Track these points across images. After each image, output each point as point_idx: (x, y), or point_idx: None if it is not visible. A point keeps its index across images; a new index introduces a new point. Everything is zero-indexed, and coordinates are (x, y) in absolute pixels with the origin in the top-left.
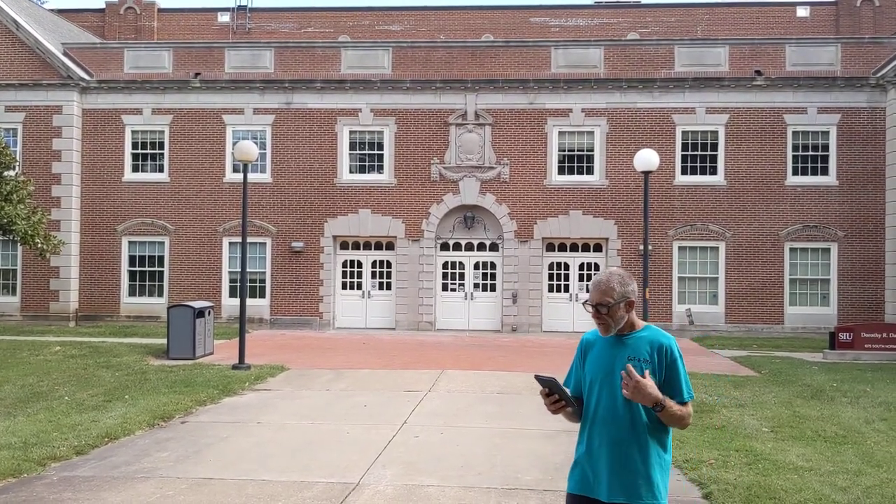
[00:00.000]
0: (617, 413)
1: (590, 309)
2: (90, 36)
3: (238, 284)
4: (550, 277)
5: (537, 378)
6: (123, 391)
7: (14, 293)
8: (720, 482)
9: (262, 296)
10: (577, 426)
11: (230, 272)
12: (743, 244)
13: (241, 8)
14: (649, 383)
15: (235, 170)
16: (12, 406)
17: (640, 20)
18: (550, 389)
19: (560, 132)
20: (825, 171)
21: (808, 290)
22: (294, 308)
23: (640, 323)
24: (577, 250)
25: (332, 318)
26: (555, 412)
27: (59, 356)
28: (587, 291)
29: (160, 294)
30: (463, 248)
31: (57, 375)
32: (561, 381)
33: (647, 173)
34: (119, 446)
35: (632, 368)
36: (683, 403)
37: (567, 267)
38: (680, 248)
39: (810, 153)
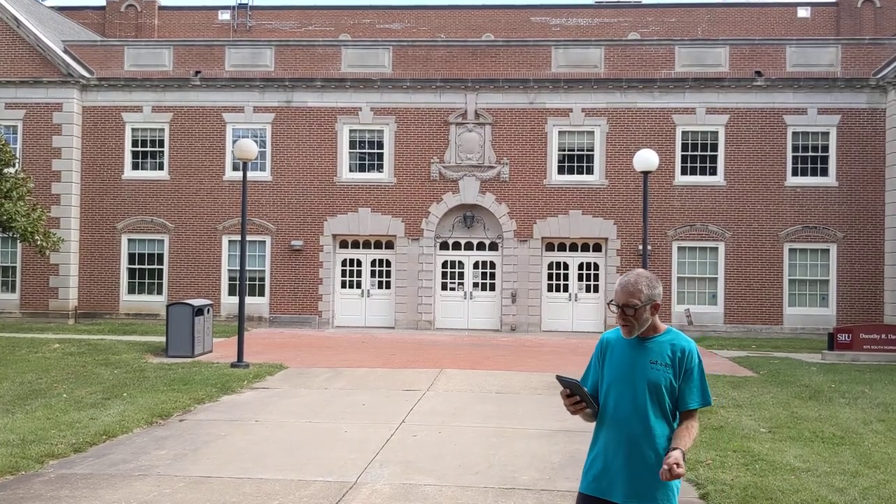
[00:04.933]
0: (634, 416)
1: (615, 309)
2: (91, 33)
3: (237, 283)
4: (550, 277)
5: (559, 379)
6: (122, 389)
7: (13, 290)
8: (717, 483)
9: (262, 294)
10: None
11: (229, 270)
12: (742, 245)
13: (242, 6)
14: (673, 460)
15: (235, 168)
16: (11, 403)
17: (640, 20)
18: (571, 391)
19: (560, 132)
20: (825, 172)
21: (808, 291)
22: (293, 306)
23: (663, 326)
24: (577, 250)
25: (332, 317)
26: (574, 413)
27: (57, 353)
28: (587, 291)
29: (159, 292)
30: (462, 248)
31: (56, 373)
32: (577, 381)
33: (646, 173)
34: (117, 444)
35: (666, 471)
36: (690, 411)
37: (566, 267)
38: (679, 248)
39: (810, 154)
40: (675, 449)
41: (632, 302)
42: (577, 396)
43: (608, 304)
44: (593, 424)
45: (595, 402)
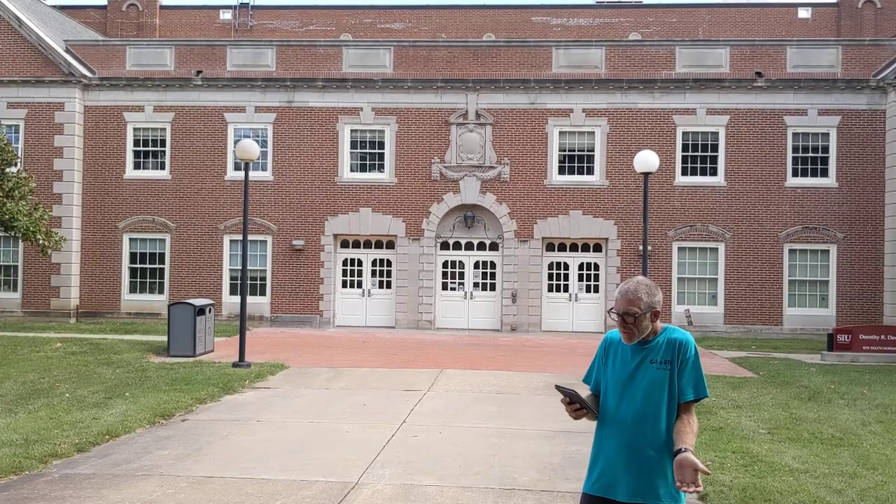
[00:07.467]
0: (635, 416)
1: (615, 317)
2: (92, 33)
3: (239, 282)
4: (550, 277)
5: (558, 388)
6: (124, 388)
7: (15, 289)
8: (716, 483)
9: (263, 294)
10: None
11: (231, 270)
12: (742, 245)
13: (244, 6)
14: (693, 474)
15: (237, 168)
16: (13, 403)
17: (641, 20)
18: (571, 399)
19: (561, 132)
20: (825, 173)
21: (808, 292)
22: (294, 306)
23: (661, 326)
24: (577, 250)
25: (333, 317)
26: (576, 419)
27: (59, 353)
28: (587, 292)
29: (161, 291)
30: (463, 248)
31: (58, 372)
32: (579, 382)
33: (646, 174)
34: (120, 444)
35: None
36: (688, 403)
37: (567, 267)
38: (679, 248)
39: (810, 155)
40: (684, 451)
41: (631, 310)
42: (578, 404)
43: (609, 311)
44: (594, 424)
45: (595, 407)
